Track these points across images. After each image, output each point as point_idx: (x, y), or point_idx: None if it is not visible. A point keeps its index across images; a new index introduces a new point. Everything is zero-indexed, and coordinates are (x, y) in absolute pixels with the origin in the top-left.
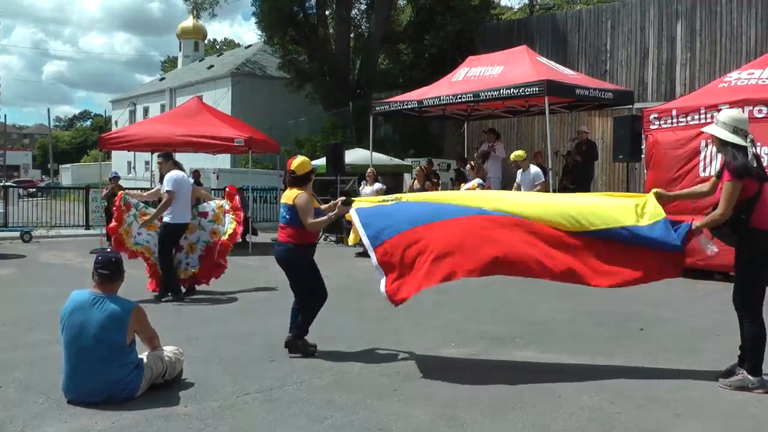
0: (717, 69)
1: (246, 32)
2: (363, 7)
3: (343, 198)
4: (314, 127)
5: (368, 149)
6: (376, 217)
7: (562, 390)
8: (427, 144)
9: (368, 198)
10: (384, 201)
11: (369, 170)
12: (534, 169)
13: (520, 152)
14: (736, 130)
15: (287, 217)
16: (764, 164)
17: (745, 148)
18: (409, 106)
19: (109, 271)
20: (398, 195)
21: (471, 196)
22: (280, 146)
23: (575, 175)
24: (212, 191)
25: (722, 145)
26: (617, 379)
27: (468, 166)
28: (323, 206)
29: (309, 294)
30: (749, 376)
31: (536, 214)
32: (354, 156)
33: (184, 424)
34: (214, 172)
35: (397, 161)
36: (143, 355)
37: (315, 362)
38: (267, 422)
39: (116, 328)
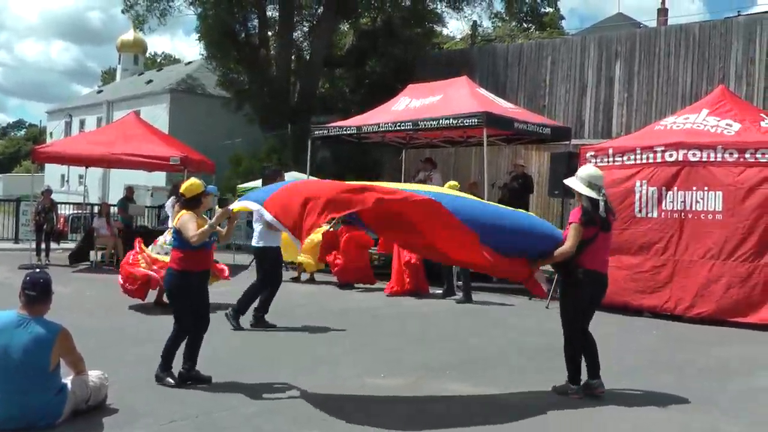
0: (653, 110)
1: (187, 48)
2: (305, 29)
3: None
4: (251, 147)
5: (304, 173)
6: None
7: (493, 425)
8: (365, 169)
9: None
10: None
11: None
12: None
13: (453, 183)
14: (591, 185)
15: (175, 242)
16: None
17: (597, 201)
18: (349, 132)
19: (36, 293)
20: None
21: None
22: (215, 165)
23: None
24: (147, 209)
25: (579, 196)
26: (544, 414)
27: None
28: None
29: (177, 320)
30: (569, 384)
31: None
32: (291, 178)
33: None
34: (148, 190)
35: None
36: (67, 380)
37: (243, 388)
38: None
39: (41, 351)
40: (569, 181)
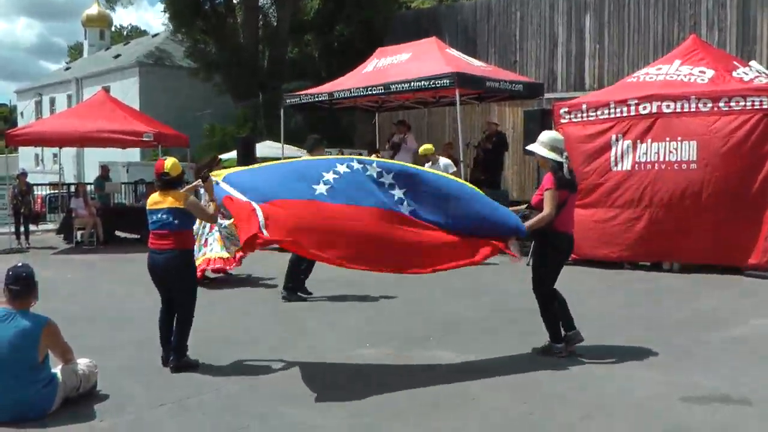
0: (626, 60)
1: (153, 18)
2: None
3: (199, 181)
4: (223, 118)
5: (278, 141)
6: (248, 182)
7: (477, 391)
8: (339, 135)
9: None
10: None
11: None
12: (444, 160)
13: (428, 146)
14: (553, 148)
15: (175, 222)
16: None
17: (562, 163)
18: (321, 99)
19: (19, 287)
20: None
21: None
22: (189, 138)
23: (485, 167)
24: (122, 185)
25: (542, 160)
26: (528, 377)
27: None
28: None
29: (190, 302)
30: (553, 343)
31: None
32: (264, 148)
33: None
34: (123, 166)
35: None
36: (56, 369)
37: (229, 369)
38: None
39: (27, 345)
40: (532, 147)
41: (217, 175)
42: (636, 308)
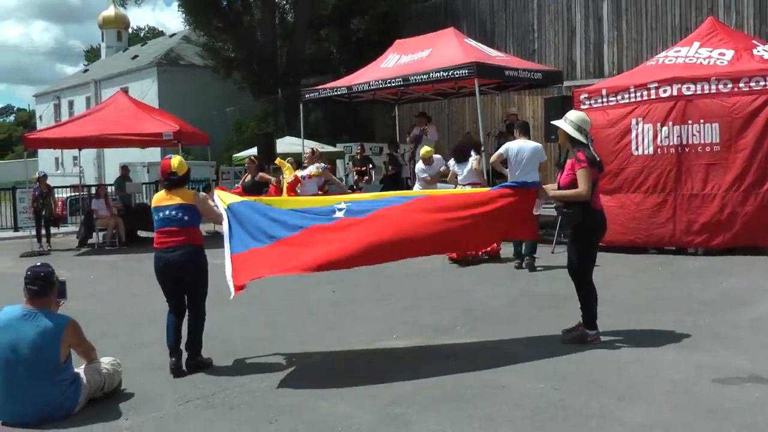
0: (644, 46)
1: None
2: None
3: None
4: (243, 115)
5: (298, 136)
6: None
7: (506, 379)
8: (358, 129)
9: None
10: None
11: (307, 152)
12: (436, 157)
13: (427, 149)
14: (580, 129)
15: (185, 218)
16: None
17: (587, 144)
18: (340, 93)
19: (37, 287)
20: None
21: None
22: (209, 137)
23: None
24: (144, 185)
25: (569, 140)
26: (558, 364)
27: (309, 151)
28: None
29: (205, 298)
30: (586, 330)
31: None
32: (285, 144)
33: None
34: (144, 166)
35: (328, 148)
36: (80, 369)
37: (255, 364)
38: (211, 430)
39: (50, 345)
40: (559, 122)
41: (222, 200)
42: (663, 291)
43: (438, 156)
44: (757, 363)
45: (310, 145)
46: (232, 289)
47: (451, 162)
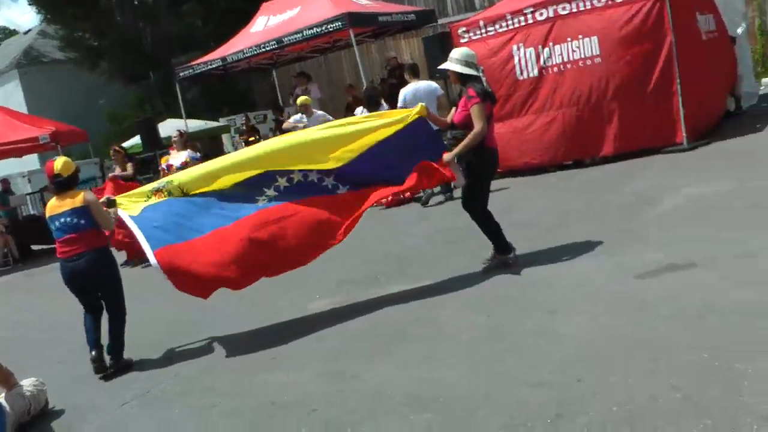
0: None
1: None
2: None
3: (106, 199)
4: (120, 104)
5: (180, 118)
6: (151, 226)
7: (439, 315)
8: (238, 100)
9: (131, 194)
10: (148, 198)
11: (174, 135)
12: (318, 113)
13: (303, 98)
14: (468, 64)
15: (81, 222)
16: (578, 57)
17: (479, 77)
18: (214, 66)
19: None
20: (169, 179)
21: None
22: (87, 133)
23: (396, 100)
24: (28, 196)
25: (459, 77)
26: (488, 292)
27: (176, 134)
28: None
29: (122, 298)
30: (503, 255)
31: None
32: (167, 127)
33: None
34: (24, 176)
35: (212, 124)
36: (0, 398)
37: (184, 352)
38: (156, 427)
39: None
40: (446, 65)
41: (129, 208)
42: (570, 204)
43: (321, 112)
44: (670, 253)
45: (194, 123)
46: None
47: (359, 110)
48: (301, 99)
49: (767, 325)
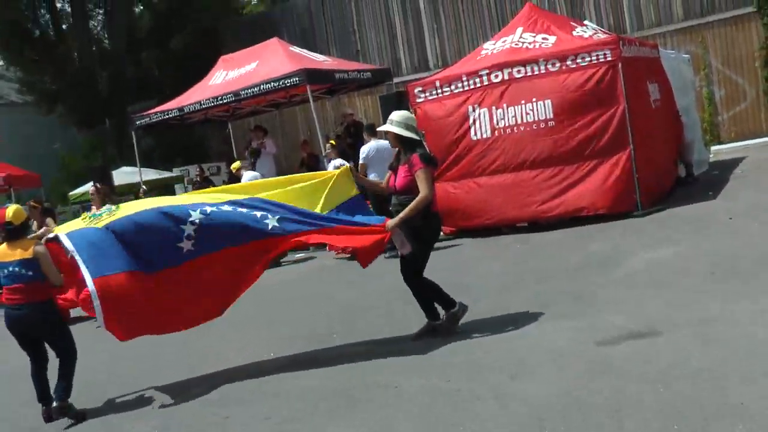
0: (464, 37)
1: None
2: (101, 18)
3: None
4: (74, 150)
5: (134, 165)
6: (90, 246)
7: (396, 378)
8: (192, 150)
9: (70, 224)
10: (92, 221)
11: (91, 190)
12: (249, 173)
13: (235, 164)
14: (409, 128)
15: (30, 274)
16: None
17: (421, 141)
18: (171, 115)
19: None
20: (112, 206)
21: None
22: (41, 177)
23: (349, 156)
24: None
25: (400, 141)
26: (444, 355)
27: (92, 190)
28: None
29: (69, 343)
30: (451, 311)
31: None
32: (122, 174)
33: None
34: None
35: (165, 174)
36: None
37: (138, 403)
38: None
39: None
40: (386, 127)
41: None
42: (527, 265)
43: (253, 173)
44: (631, 317)
45: (148, 173)
46: (102, 321)
47: (339, 161)
48: (235, 165)
49: (736, 390)
